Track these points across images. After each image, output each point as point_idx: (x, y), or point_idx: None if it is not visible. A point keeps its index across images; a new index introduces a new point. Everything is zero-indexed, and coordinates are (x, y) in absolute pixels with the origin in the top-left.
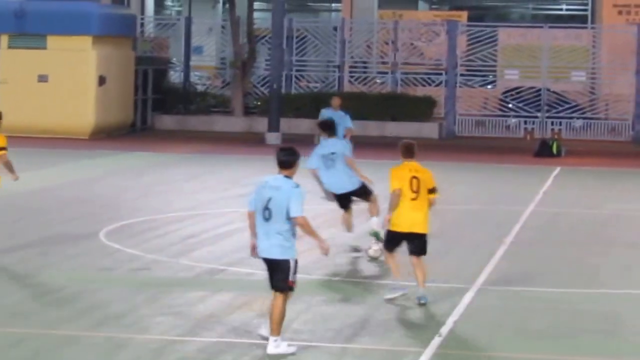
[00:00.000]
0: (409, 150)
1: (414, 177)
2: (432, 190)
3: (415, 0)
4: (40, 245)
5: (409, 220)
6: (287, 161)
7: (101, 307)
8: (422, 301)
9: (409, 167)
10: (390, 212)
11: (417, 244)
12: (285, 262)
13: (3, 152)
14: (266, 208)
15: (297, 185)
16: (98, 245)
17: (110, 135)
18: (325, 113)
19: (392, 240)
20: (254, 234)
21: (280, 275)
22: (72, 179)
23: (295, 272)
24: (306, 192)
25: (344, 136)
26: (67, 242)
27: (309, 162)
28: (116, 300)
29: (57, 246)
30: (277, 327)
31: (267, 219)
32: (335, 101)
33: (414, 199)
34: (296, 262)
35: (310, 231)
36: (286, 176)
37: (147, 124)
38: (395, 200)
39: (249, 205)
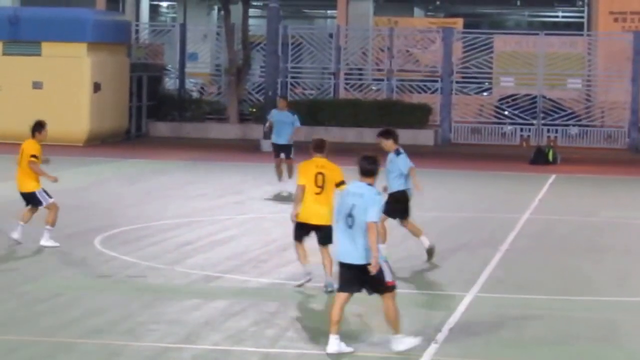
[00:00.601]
0: (318, 146)
1: (319, 172)
2: (341, 183)
3: (411, 7)
4: (35, 252)
5: (313, 213)
6: (371, 170)
7: (96, 314)
8: (329, 289)
9: (316, 162)
10: (296, 207)
11: (323, 234)
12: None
13: (32, 159)
14: (349, 215)
15: (379, 193)
16: (93, 252)
17: (105, 142)
18: (274, 113)
19: (299, 230)
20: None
21: (375, 279)
22: (66, 186)
23: (390, 272)
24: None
25: (290, 137)
26: (62, 249)
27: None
28: (111, 307)
29: (52, 254)
30: (396, 325)
31: (350, 225)
32: (281, 102)
33: (318, 194)
34: (386, 262)
35: (373, 240)
36: (368, 184)
37: (141, 131)
38: (299, 195)
39: (334, 215)
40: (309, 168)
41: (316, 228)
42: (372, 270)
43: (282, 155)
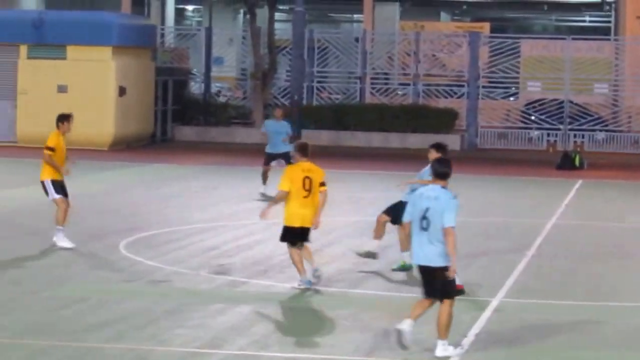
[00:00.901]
0: (303, 150)
1: (307, 177)
2: (322, 184)
3: (437, 11)
4: (59, 257)
5: (300, 216)
6: (446, 173)
7: (122, 319)
8: (317, 273)
9: (303, 167)
10: (271, 207)
11: (306, 235)
12: (446, 269)
13: (47, 151)
14: (424, 218)
15: (454, 197)
16: (118, 257)
17: (130, 146)
18: (268, 123)
19: (289, 234)
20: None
21: (442, 282)
22: (91, 190)
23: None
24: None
25: (284, 140)
26: (87, 254)
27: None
28: (137, 312)
29: (77, 258)
30: (445, 331)
31: (425, 228)
32: (278, 112)
33: (305, 197)
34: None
35: (451, 245)
36: (443, 187)
37: (167, 135)
38: (280, 198)
39: (404, 216)
40: (296, 173)
41: (303, 230)
42: (451, 274)
43: (275, 163)
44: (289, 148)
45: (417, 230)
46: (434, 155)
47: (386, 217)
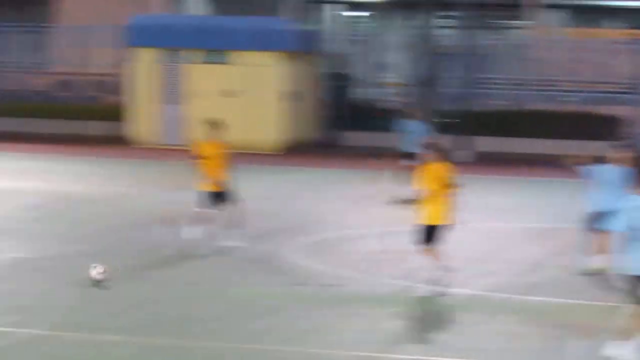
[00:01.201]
0: (444, 152)
1: (448, 176)
2: (456, 185)
3: (603, 18)
4: (226, 261)
5: (442, 214)
6: None
7: (291, 322)
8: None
9: (445, 167)
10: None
11: (443, 235)
12: None
13: (194, 159)
14: None
15: None
16: (286, 261)
17: (296, 151)
18: (405, 122)
19: (433, 232)
20: (616, 252)
21: None
22: (259, 194)
23: None
24: None
25: (416, 141)
26: (254, 258)
27: None
28: (306, 315)
29: (245, 261)
30: (628, 334)
31: None
32: (414, 111)
33: (446, 196)
34: None
35: None
36: None
37: (333, 140)
38: (417, 198)
39: (617, 226)
40: (438, 172)
41: (443, 228)
42: None
43: (407, 162)
44: (417, 149)
45: (634, 241)
46: (621, 156)
47: (595, 235)
